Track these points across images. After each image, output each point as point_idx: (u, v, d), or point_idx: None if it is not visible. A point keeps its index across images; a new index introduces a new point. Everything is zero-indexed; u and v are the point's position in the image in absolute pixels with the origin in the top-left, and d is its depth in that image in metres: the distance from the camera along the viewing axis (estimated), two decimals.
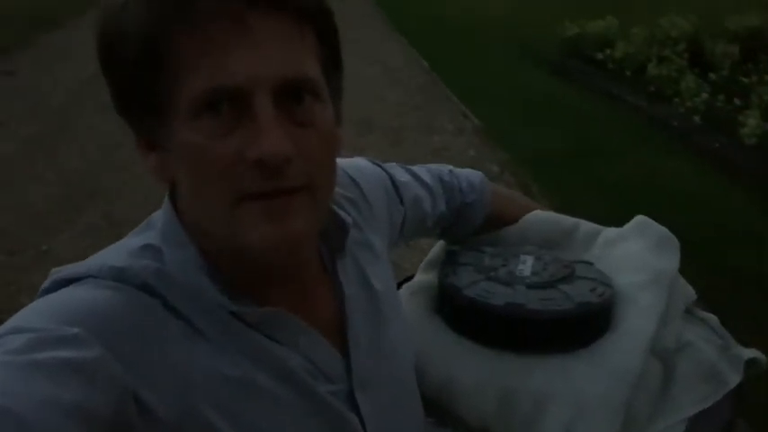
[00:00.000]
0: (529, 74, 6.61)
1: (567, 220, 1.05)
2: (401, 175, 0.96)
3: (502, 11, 9.40)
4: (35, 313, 0.55)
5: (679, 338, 0.87)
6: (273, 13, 0.57)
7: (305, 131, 0.59)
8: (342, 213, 0.75)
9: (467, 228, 1.05)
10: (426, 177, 0.99)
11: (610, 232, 1.00)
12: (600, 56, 6.38)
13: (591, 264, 0.94)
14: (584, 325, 0.85)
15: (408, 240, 1.00)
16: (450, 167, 1.06)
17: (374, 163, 0.94)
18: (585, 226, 1.04)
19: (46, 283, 0.61)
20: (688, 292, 0.93)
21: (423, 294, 0.97)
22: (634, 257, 0.93)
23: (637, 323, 0.85)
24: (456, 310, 0.91)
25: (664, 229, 0.96)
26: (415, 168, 1.00)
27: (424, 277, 1.02)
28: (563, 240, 1.03)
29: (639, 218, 0.99)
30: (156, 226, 0.67)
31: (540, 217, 1.05)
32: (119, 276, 0.61)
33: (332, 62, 0.65)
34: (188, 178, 0.61)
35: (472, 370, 0.85)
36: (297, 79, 0.58)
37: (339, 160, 0.83)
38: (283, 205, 0.59)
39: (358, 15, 9.66)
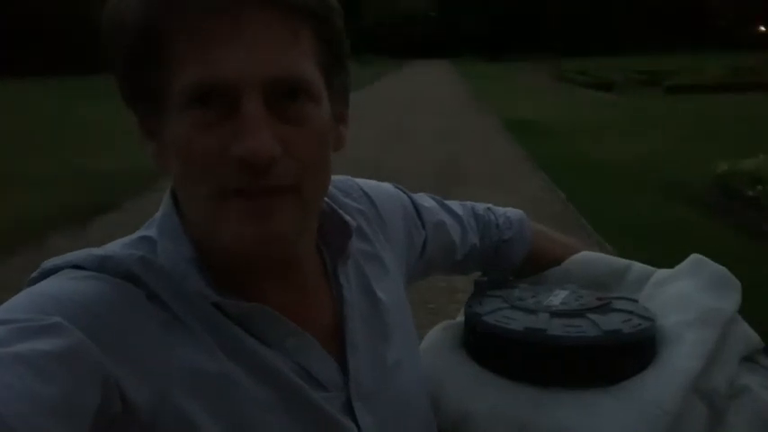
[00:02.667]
0: (673, 209, 6.39)
1: (618, 261, 0.99)
2: (425, 201, 0.94)
3: (647, 150, 9.28)
4: (16, 304, 0.55)
5: (733, 383, 0.78)
6: (267, 10, 0.57)
7: (295, 130, 0.59)
8: (346, 217, 0.74)
9: (506, 266, 1.01)
10: (457, 208, 0.98)
11: (663, 273, 0.93)
12: (751, 192, 6.09)
13: (635, 300, 0.86)
14: (614, 357, 0.77)
15: (437, 271, 0.97)
16: (490, 205, 1.04)
17: (396, 187, 0.93)
18: (637, 267, 0.96)
19: (34, 274, 0.61)
20: (752, 338, 0.84)
21: (452, 329, 0.92)
22: (684, 296, 0.86)
23: (678, 360, 0.77)
24: (477, 339, 0.85)
25: (721, 269, 0.88)
26: (446, 201, 0.99)
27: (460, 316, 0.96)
28: (612, 282, 0.95)
29: (694, 256, 0.91)
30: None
31: (588, 257, 0.99)
32: (102, 265, 0.61)
33: (333, 63, 0.64)
34: (176, 169, 0.61)
35: (488, 402, 0.79)
36: (288, 79, 0.58)
37: (358, 179, 0.87)
38: (266, 205, 0.58)
39: (500, 150, 9.89)
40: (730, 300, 0.84)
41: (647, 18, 54.82)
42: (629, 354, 0.77)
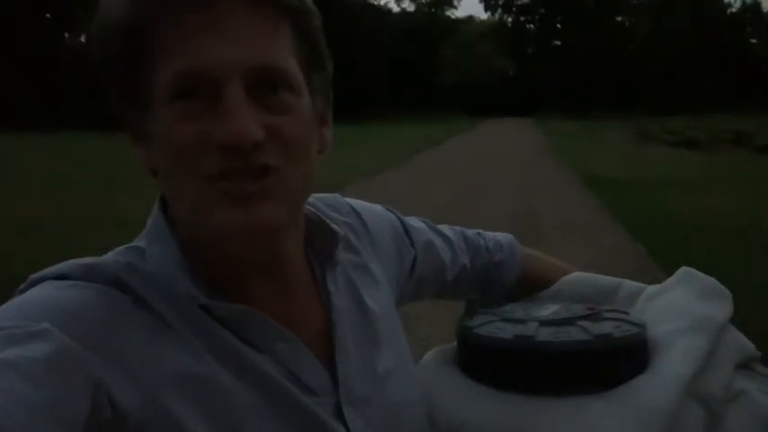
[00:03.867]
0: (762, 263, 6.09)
1: (609, 279, 0.99)
2: (414, 222, 0.97)
3: (737, 207, 8.94)
4: (3, 312, 0.55)
5: (730, 388, 0.78)
6: (248, 4, 0.60)
7: (278, 119, 0.60)
8: (333, 225, 0.75)
9: (498, 288, 1.02)
10: (446, 231, 1.00)
11: (653, 288, 0.93)
12: None
13: (625, 312, 0.86)
14: (606, 362, 0.76)
15: (428, 292, 0.98)
16: (480, 230, 1.06)
17: (386, 208, 0.95)
18: (628, 284, 0.97)
19: (22, 286, 0.61)
20: (746, 346, 0.84)
21: (445, 350, 0.92)
22: (675, 306, 0.86)
23: (671, 366, 0.76)
24: (468, 352, 0.85)
25: (711, 280, 0.89)
26: (436, 225, 1.01)
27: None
28: (603, 300, 0.95)
29: (683, 269, 0.92)
30: None
31: (580, 277, 1.00)
32: (88, 273, 0.61)
33: (312, 60, 0.66)
34: (162, 163, 0.62)
35: (479, 413, 0.78)
36: (268, 67, 0.60)
37: (347, 198, 0.90)
38: (253, 187, 0.59)
39: (578, 204, 9.73)
40: (721, 309, 0.84)
41: (737, 78, 53.40)
42: (622, 358, 0.77)
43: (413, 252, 0.92)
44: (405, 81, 54.15)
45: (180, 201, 0.63)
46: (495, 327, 0.82)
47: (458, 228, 1.04)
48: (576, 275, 1.00)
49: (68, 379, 0.50)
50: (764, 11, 60.12)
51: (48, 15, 40.88)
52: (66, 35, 43.87)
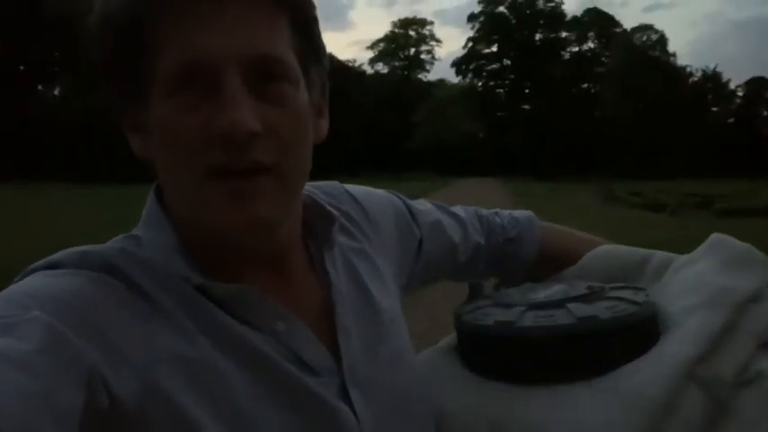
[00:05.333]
0: None
1: (639, 252, 0.92)
2: (420, 204, 0.95)
3: None
4: None
5: (747, 369, 0.70)
6: None
7: (275, 110, 0.60)
8: (328, 208, 0.75)
9: (517, 266, 0.98)
10: (458, 210, 0.98)
11: (681, 259, 0.86)
12: None
13: (640, 289, 0.80)
14: (593, 346, 0.71)
15: (441, 273, 0.95)
16: (498, 209, 1.04)
17: (390, 192, 0.94)
18: (659, 256, 0.89)
19: (17, 278, 0.61)
20: None
21: (449, 338, 0.90)
22: (695, 279, 0.79)
23: (673, 346, 0.71)
24: (459, 339, 0.84)
25: (742, 246, 0.81)
26: (446, 206, 0.98)
27: None
28: (632, 274, 0.89)
29: (714, 236, 0.84)
30: None
31: (606, 251, 0.93)
32: (80, 260, 0.61)
33: (309, 53, 0.66)
34: (160, 154, 0.62)
35: (462, 401, 0.77)
36: (265, 57, 0.60)
37: (345, 184, 0.88)
38: (248, 187, 0.59)
39: None
40: (751, 278, 0.76)
41: (699, 144, 55.01)
42: (613, 342, 0.71)
43: (418, 233, 0.90)
44: (377, 141, 55.03)
45: (176, 192, 0.63)
46: (482, 313, 0.79)
47: (472, 208, 1.01)
48: (603, 249, 0.94)
49: (62, 367, 0.50)
50: (723, 81, 62.36)
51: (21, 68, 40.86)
52: (40, 87, 43.83)
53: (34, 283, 0.58)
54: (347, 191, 0.86)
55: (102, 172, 30.64)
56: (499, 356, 0.75)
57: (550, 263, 0.96)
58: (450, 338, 0.89)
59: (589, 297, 0.76)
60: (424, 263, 0.91)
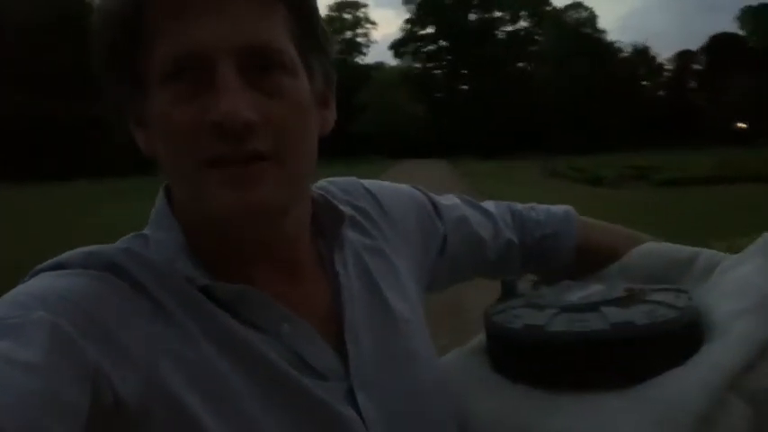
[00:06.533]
0: None
1: (686, 250, 0.86)
2: (447, 199, 0.92)
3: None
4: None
5: None
6: None
7: (273, 101, 0.60)
8: (339, 206, 0.74)
9: (555, 264, 0.93)
10: (488, 206, 0.94)
11: (731, 258, 0.81)
12: None
13: (683, 291, 0.75)
14: (629, 353, 0.67)
15: (468, 271, 0.92)
16: (534, 204, 0.99)
17: (414, 187, 0.91)
18: (706, 254, 0.84)
19: (25, 279, 0.61)
20: None
21: (479, 338, 0.86)
22: (743, 282, 0.74)
23: (715, 355, 0.67)
24: (488, 340, 0.80)
25: None
26: (475, 201, 0.95)
27: None
28: (678, 274, 0.84)
29: (764, 236, 0.79)
30: None
31: (651, 249, 0.88)
32: (85, 260, 0.61)
33: (309, 41, 0.65)
34: (160, 146, 0.62)
35: (490, 404, 0.73)
36: (262, 47, 0.59)
37: (364, 180, 0.86)
38: (246, 173, 0.58)
39: None
40: None
41: (633, 118, 56.62)
42: (650, 349, 0.67)
43: (442, 229, 0.87)
44: None
45: (178, 184, 0.63)
46: (513, 314, 0.75)
47: (504, 203, 0.97)
48: (647, 247, 0.88)
49: (67, 367, 0.49)
50: (652, 55, 64.17)
51: None
52: None
53: (39, 283, 0.58)
54: (364, 186, 0.84)
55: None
56: (528, 361, 0.72)
57: (589, 260, 0.91)
58: (479, 338, 0.84)
59: (626, 300, 0.71)
60: (449, 260, 0.87)
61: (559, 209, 0.97)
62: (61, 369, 0.49)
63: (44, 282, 0.58)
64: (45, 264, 0.61)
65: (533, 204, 0.99)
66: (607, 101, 55.96)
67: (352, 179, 0.85)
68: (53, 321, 0.51)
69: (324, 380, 0.64)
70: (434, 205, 0.88)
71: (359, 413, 0.64)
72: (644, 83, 65.60)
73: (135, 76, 0.62)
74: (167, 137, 0.60)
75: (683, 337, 0.69)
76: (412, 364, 0.72)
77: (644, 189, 18.43)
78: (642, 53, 64.49)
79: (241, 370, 0.60)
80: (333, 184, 0.81)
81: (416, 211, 0.86)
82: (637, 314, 0.68)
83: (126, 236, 0.67)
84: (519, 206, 0.97)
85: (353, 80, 59.62)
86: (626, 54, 64.74)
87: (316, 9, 0.66)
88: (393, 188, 0.88)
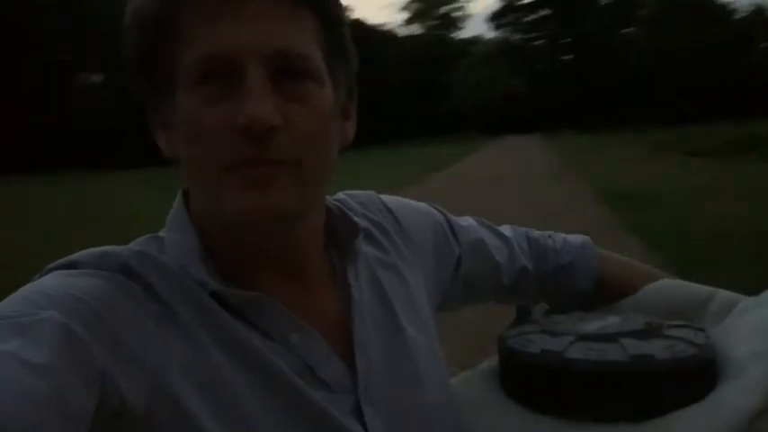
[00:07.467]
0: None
1: (701, 289, 0.87)
2: (464, 221, 0.92)
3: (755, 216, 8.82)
4: (10, 301, 0.55)
5: None
6: None
7: (296, 106, 0.60)
8: (354, 218, 0.75)
9: (570, 295, 0.94)
10: (505, 230, 0.95)
11: (748, 301, 0.82)
12: None
13: (700, 329, 0.75)
14: (646, 387, 0.67)
15: (482, 294, 0.92)
16: (551, 232, 0.99)
17: (432, 206, 0.92)
18: (722, 295, 0.85)
19: (36, 276, 0.61)
20: None
21: (491, 361, 0.86)
22: (759, 323, 0.75)
23: (731, 396, 0.67)
24: (501, 364, 0.80)
25: None
26: (494, 225, 0.95)
27: None
28: (693, 312, 0.84)
29: None
30: None
31: (666, 285, 0.89)
32: (98, 261, 0.61)
33: (336, 53, 0.66)
34: (183, 149, 0.62)
35: (498, 428, 0.73)
36: (290, 53, 0.60)
37: (383, 195, 0.87)
38: (265, 175, 0.59)
39: (591, 218, 9.68)
40: None
41: (747, 83, 53.14)
42: (667, 384, 0.67)
43: (457, 251, 0.87)
44: (416, 103, 54.38)
45: (197, 187, 0.64)
46: (529, 339, 0.75)
47: (522, 228, 0.97)
48: (663, 283, 0.89)
49: (75, 368, 0.50)
50: None
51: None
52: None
53: (51, 282, 0.58)
54: (383, 201, 0.85)
55: None
56: (542, 387, 0.71)
57: (605, 292, 0.91)
58: (490, 361, 0.85)
59: (645, 333, 0.71)
60: (462, 281, 0.87)
61: (577, 239, 0.97)
62: (69, 370, 0.49)
63: (57, 280, 0.58)
64: (58, 262, 0.62)
65: (551, 233, 0.99)
66: (716, 67, 52.73)
67: (371, 193, 0.86)
68: (64, 322, 0.51)
69: (331, 392, 0.64)
70: (451, 225, 0.89)
71: (365, 428, 0.65)
72: (762, 45, 61.25)
73: (161, 78, 0.62)
74: (192, 138, 0.60)
75: (700, 375, 0.69)
76: (420, 380, 0.72)
77: (755, 161, 17.20)
78: (760, 13, 60.19)
79: (248, 377, 0.61)
80: (350, 197, 0.82)
81: (433, 230, 0.86)
82: (656, 348, 0.68)
83: (140, 238, 0.68)
84: (536, 233, 0.97)
85: (451, 56, 59.08)
86: (743, 14, 60.61)
87: (344, 20, 0.67)
88: (411, 205, 0.88)
